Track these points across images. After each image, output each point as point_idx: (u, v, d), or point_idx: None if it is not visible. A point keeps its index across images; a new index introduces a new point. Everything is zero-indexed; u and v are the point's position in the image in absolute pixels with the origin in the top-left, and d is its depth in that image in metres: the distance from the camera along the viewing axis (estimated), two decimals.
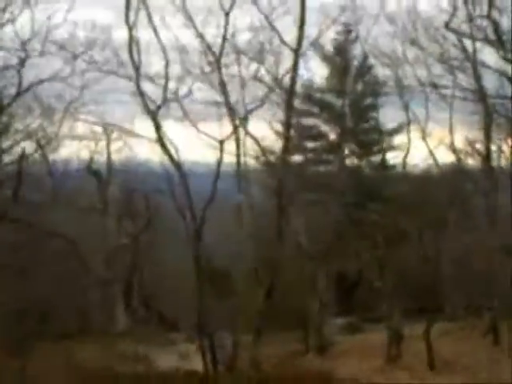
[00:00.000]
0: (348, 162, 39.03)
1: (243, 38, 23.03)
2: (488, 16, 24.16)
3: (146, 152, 26.55)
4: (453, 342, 27.99)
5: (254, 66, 23.24)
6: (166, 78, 22.56)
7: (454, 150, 29.54)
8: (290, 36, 22.40)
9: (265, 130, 25.81)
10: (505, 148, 28.84)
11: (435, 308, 33.53)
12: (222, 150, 23.18)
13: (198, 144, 23.17)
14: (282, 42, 22.58)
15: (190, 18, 22.56)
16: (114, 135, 30.38)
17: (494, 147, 28.50)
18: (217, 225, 28.32)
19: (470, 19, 25.22)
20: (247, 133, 23.51)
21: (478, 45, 25.98)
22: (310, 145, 39.60)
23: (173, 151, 22.59)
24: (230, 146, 23.03)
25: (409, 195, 33.08)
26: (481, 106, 26.74)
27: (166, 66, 22.46)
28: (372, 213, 34.30)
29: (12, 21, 22.09)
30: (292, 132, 38.69)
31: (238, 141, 23.21)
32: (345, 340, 28.91)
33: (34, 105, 24.48)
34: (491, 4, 23.95)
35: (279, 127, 25.38)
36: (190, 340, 28.50)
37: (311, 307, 26.47)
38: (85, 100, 25.06)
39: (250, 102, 23.35)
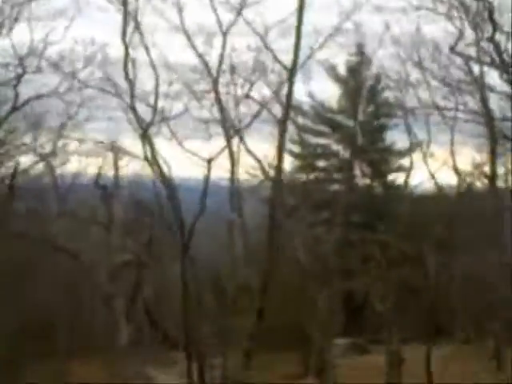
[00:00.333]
0: (358, 181, 39.17)
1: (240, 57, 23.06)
2: (491, 39, 24.01)
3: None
4: (457, 365, 27.71)
5: (249, 85, 23.32)
6: (156, 95, 22.78)
7: (458, 172, 29.34)
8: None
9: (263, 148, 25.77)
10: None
11: (443, 330, 33.32)
12: (209, 169, 23.50)
13: (190, 161, 23.45)
14: (277, 60, 22.56)
15: (188, 38, 22.63)
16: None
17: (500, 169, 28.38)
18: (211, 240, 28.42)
19: (477, 42, 25.12)
20: (248, 150, 23.59)
21: (485, 67, 25.92)
22: (321, 164, 39.83)
23: (165, 168, 22.90)
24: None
25: (416, 215, 32.95)
26: (486, 128, 26.62)
27: (157, 83, 22.68)
28: (380, 232, 34.18)
29: (8, 36, 22.36)
30: (303, 150, 39.62)
31: (232, 158, 23.28)
32: (347, 362, 28.62)
33: (30, 120, 24.57)
34: (495, 27, 23.79)
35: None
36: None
37: (311, 327, 26.22)
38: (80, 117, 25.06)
39: (244, 119, 23.46)
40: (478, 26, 24.59)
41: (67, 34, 23.21)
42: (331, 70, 37.53)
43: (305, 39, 23.10)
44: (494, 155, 27.15)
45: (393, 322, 25.28)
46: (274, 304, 26.78)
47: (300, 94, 35.15)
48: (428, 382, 23.92)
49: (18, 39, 22.84)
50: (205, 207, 22.99)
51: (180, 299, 24.52)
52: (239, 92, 23.19)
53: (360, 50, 36.37)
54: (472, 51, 25.56)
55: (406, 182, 33.52)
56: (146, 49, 22.53)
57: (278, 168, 22.09)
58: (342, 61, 36.32)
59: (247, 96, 23.16)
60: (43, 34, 22.94)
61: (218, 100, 22.84)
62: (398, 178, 39.36)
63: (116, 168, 30.49)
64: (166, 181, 22.91)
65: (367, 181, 39.33)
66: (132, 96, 22.77)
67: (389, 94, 35.00)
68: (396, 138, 38.15)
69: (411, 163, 32.86)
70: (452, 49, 25.01)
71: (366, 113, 39.14)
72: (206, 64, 22.91)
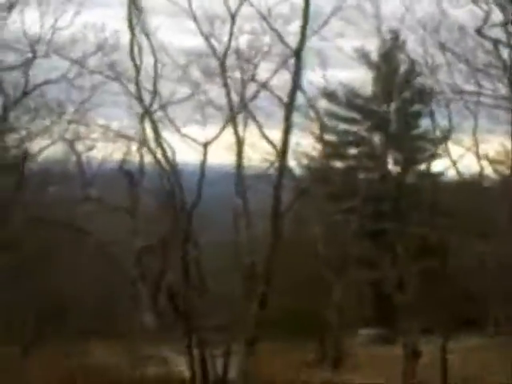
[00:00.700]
0: (391, 169, 38.54)
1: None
2: None
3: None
4: (482, 358, 27.23)
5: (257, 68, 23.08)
6: (155, 79, 22.68)
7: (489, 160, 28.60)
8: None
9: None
10: None
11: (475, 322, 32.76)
12: (205, 154, 23.49)
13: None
14: (283, 42, 22.23)
15: (195, 21, 22.46)
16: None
17: None
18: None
19: (505, 23, 24.37)
20: (264, 135, 23.37)
21: None
22: (352, 151, 39.34)
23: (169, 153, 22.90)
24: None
25: (451, 204, 32.29)
26: None
27: (155, 67, 22.57)
28: (411, 223, 33.59)
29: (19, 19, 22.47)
30: (333, 138, 39.21)
31: (239, 142, 23.13)
32: (366, 352, 28.32)
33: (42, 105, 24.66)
34: None
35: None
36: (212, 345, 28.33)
37: (329, 317, 25.97)
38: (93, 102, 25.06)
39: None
40: (504, 9, 23.87)
41: (76, 19, 23.19)
42: (363, 57, 37.00)
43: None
44: None
45: (412, 313, 24.83)
46: (293, 291, 26.62)
47: (332, 80, 34.53)
48: (443, 374, 23.42)
49: (29, 24, 22.87)
50: (201, 192, 23.54)
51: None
52: (245, 77, 22.90)
53: (394, 35, 35.77)
54: (500, 35, 24.82)
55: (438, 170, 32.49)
56: (147, 35, 22.46)
57: (283, 153, 21.76)
58: (374, 47, 35.62)
59: (253, 79, 22.93)
60: (53, 19, 22.99)
61: (226, 83, 22.66)
62: (432, 166, 38.60)
63: (140, 155, 30.52)
64: (171, 165, 23.05)
65: (399, 169, 38.52)
66: (137, 82, 22.72)
67: (422, 80, 34.18)
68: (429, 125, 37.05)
69: (446, 151, 31.99)
70: (479, 31, 24.23)
71: (400, 99, 38.47)
72: (212, 48, 22.70)
